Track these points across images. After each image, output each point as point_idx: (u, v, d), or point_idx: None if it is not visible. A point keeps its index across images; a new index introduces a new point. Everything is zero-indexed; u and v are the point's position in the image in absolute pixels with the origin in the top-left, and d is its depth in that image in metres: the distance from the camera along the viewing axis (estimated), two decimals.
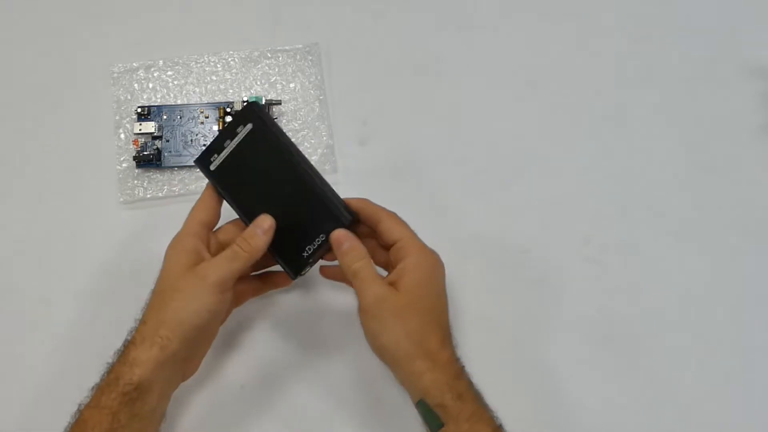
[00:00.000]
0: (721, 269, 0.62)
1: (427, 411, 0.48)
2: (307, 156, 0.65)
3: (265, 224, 0.52)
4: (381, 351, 0.51)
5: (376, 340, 0.51)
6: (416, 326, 0.50)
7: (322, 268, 0.58)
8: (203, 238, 0.52)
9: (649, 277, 0.62)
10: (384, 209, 0.54)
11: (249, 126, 0.53)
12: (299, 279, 0.55)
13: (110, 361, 0.50)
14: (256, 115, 0.53)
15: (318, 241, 0.52)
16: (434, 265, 0.53)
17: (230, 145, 0.53)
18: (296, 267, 0.53)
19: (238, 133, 0.53)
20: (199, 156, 0.54)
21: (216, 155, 0.53)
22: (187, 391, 0.57)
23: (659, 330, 0.60)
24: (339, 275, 0.58)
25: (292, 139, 0.54)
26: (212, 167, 0.53)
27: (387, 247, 0.54)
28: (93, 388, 0.49)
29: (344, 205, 0.52)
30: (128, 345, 0.50)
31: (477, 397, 0.49)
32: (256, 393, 0.57)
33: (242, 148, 0.53)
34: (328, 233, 0.52)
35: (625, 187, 0.65)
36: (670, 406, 0.57)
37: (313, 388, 0.58)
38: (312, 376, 0.58)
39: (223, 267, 0.50)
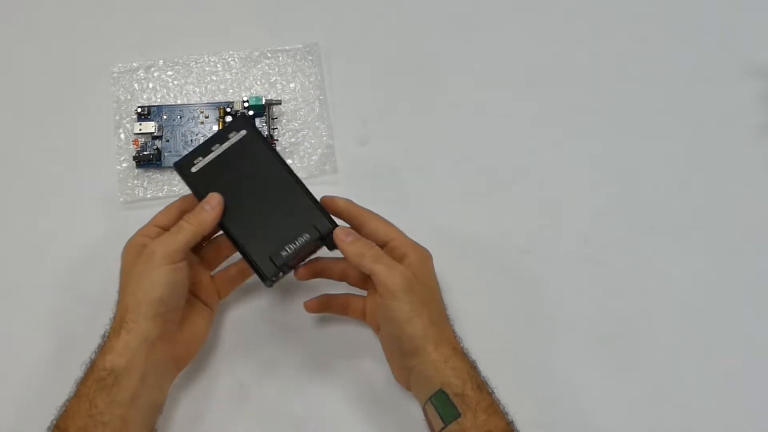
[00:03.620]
0: (721, 269, 0.62)
1: (445, 401, 0.48)
2: (306, 156, 0.65)
3: (213, 201, 0.52)
4: (405, 337, 0.50)
5: (402, 325, 0.49)
6: (437, 314, 0.51)
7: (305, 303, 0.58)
8: (153, 239, 0.52)
9: (649, 277, 0.62)
10: (369, 210, 0.54)
11: (243, 132, 0.55)
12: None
13: (91, 357, 0.51)
14: (250, 124, 0.55)
15: (300, 240, 0.52)
16: (430, 260, 0.54)
17: (218, 150, 0.54)
18: (271, 270, 0.52)
19: (229, 138, 0.54)
20: (180, 160, 0.55)
21: (201, 158, 0.54)
22: (185, 388, 0.57)
23: (659, 330, 0.60)
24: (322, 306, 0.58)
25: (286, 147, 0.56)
26: (193, 169, 0.54)
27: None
28: (75, 382, 0.50)
29: (327, 214, 0.53)
30: (104, 339, 0.51)
31: (492, 390, 0.50)
32: (255, 392, 0.57)
33: (230, 153, 0.54)
34: (311, 234, 0.52)
35: (625, 187, 0.65)
36: (670, 405, 0.57)
37: (313, 387, 0.57)
38: (313, 375, 0.58)
39: (167, 241, 0.51)
